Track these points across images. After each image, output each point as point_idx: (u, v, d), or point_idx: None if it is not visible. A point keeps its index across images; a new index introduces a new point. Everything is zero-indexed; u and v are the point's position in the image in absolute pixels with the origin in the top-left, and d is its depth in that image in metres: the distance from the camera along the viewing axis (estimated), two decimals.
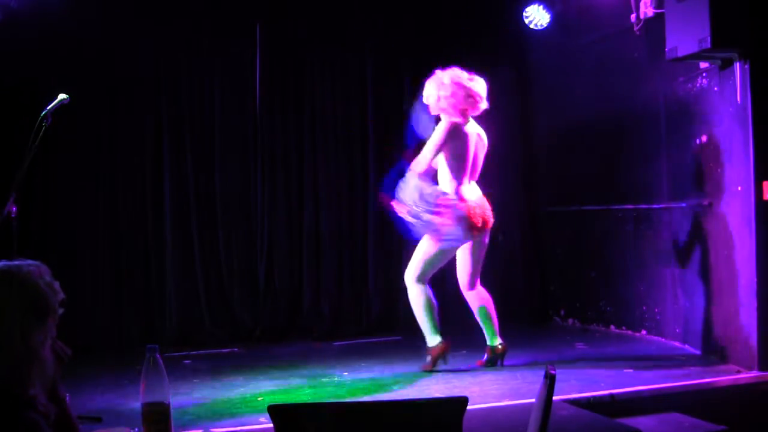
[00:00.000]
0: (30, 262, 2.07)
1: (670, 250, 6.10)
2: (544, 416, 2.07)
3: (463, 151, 5.34)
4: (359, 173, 7.29)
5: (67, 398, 2.17)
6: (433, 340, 5.40)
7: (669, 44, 5.29)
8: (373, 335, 6.91)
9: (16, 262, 2.05)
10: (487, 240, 5.50)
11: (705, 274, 5.63)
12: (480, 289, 5.53)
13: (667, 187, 6.13)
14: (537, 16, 7.15)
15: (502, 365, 5.45)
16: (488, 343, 5.49)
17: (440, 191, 5.31)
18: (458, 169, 5.34)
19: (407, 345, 6.54)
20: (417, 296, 5.45)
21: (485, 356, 5.49)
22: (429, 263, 5.40)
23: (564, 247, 7.47)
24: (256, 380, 5.29)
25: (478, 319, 5.52)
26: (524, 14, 7.16)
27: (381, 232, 7.28)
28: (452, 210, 5.25)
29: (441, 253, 5.38)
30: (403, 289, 7.32)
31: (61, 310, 2.08)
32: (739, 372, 5.08)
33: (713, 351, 5.52)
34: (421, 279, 5.42)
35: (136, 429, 3.95)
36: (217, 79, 6.96)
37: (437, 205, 5.25)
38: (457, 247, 5.41)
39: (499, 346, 5.47)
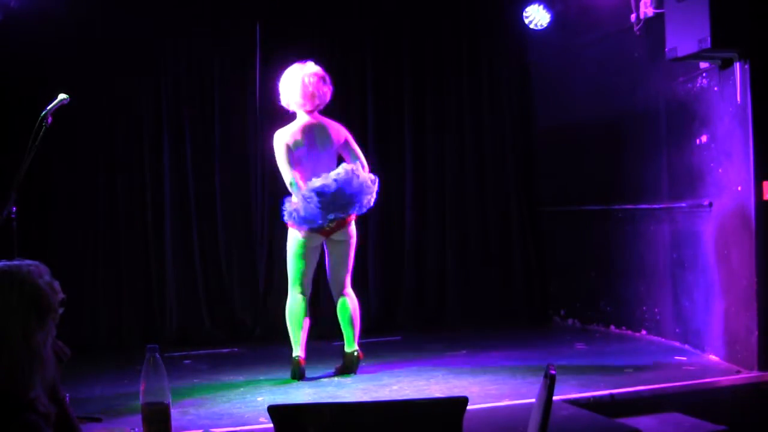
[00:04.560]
0: (30, 261, 2.07)
1: (670, 250, 6.10)
2: (544, 416, 2.08)
3: None
4: None
5: (67, 398, 2.17)
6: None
7: (669, 44, 5.28)
8: (373, 335, 6.90)
9: (16, 262, 2.05)
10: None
11: (705, 274, 5.63)
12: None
13: (667, 187, 6.13)
14: (537, 16, 7.14)
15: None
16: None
17: None
18: None
19: (407, 345, 6.56)
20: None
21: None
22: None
23: (564, 247, 7.46)
24: (256, 380, 5.30)
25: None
26: (524, 14, 7.16)
27: (381, 232, 7.28)
28: None
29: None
30: (403, 289, 7.40)
31: (61, 310, 2.08)
32: (739, 372, 5.07)
33: (713, 351, 5.52)
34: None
35: (136, 429, 3.95)
36: (217, 79, 6.96)
37: None
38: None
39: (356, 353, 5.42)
